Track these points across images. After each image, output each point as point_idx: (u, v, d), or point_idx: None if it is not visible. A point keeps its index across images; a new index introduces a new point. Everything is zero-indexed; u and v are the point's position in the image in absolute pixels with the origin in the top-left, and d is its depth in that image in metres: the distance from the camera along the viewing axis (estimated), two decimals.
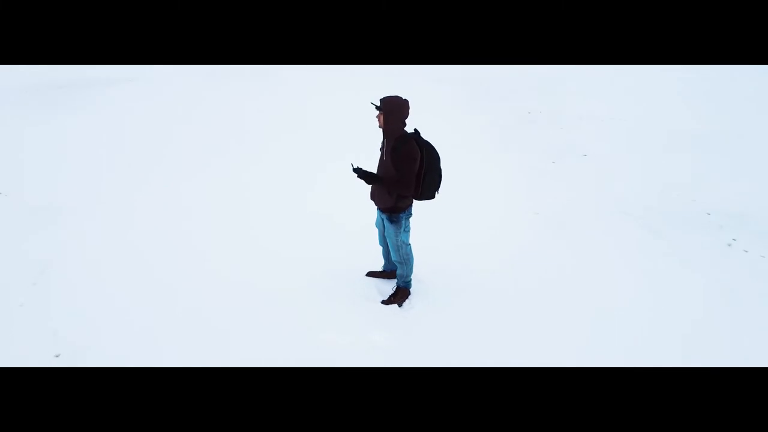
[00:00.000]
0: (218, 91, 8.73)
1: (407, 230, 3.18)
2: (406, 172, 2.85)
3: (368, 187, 4.60)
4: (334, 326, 3.21)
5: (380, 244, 3.55)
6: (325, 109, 7.77)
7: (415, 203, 4.14)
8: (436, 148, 3.03)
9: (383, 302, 3.41)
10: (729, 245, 4.18)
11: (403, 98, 2.90)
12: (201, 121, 7.21)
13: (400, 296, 3.42)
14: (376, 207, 3.35)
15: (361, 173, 2.89)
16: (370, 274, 3.71)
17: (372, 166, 5.04)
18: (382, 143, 3.03)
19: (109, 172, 5.46)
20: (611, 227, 4.47)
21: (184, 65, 10.24)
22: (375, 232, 4.01)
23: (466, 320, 3.29)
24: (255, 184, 5.23)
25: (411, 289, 3.49)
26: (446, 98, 8.45)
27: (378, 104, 2.96)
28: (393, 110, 2.86)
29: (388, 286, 3.58)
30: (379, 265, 3.80)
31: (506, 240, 4.23)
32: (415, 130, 2.99)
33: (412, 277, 3.59)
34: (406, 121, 2.94)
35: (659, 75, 10.13)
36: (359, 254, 3.93)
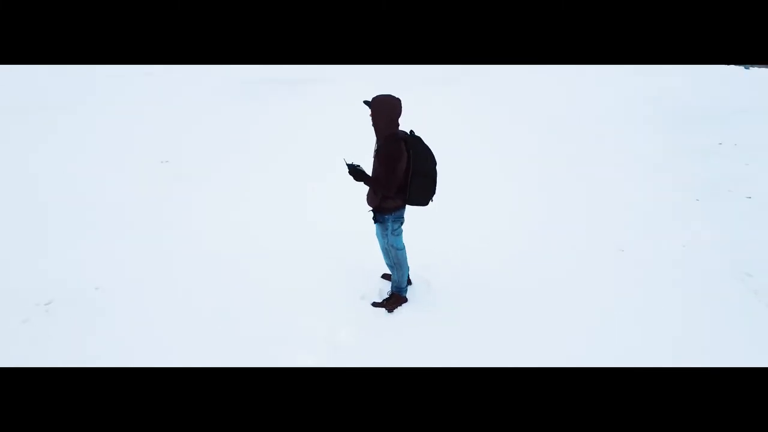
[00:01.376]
0: (225, 95, 8.70)
1: (397, 234, 3.07)
2: (384, 171, 2.77)
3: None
4: (331, 326, 3.16)
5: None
6: (325, 109, 7.71)
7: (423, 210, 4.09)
8: (432, 151, 2.90)
9: (373, 304, 3.32)
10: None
11: (395, 98, 2.79)
12: (209, 123, 7.16)
13: (392, 302, 3.31)
14: None
15: (351, 170, 2.80)
16: (385, 276, 3.64)
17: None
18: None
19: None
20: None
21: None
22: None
23: (466, 319, 3.22)
24: (256, 185, 5.18)
25: (407, 295, 3.38)
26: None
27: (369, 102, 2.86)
28: (382, 110, 2.76)
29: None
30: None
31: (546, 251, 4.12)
32: (411, 131, 2.89)
33: (413, 274, 3.52)
34: (400, 120, 2.83)
35: None
36: (366, 254, 3.86)
